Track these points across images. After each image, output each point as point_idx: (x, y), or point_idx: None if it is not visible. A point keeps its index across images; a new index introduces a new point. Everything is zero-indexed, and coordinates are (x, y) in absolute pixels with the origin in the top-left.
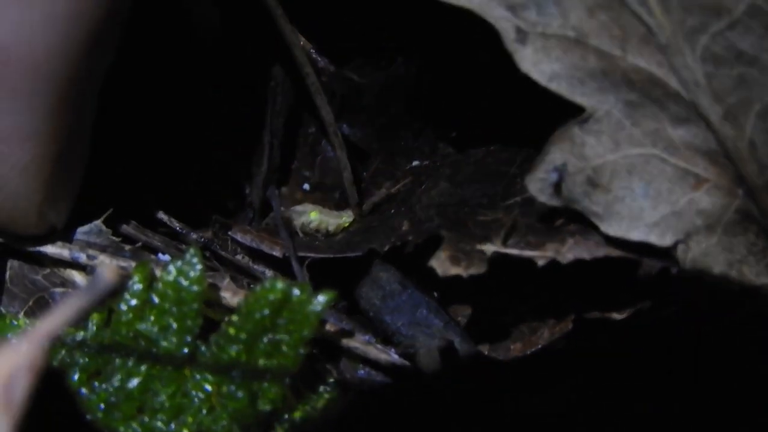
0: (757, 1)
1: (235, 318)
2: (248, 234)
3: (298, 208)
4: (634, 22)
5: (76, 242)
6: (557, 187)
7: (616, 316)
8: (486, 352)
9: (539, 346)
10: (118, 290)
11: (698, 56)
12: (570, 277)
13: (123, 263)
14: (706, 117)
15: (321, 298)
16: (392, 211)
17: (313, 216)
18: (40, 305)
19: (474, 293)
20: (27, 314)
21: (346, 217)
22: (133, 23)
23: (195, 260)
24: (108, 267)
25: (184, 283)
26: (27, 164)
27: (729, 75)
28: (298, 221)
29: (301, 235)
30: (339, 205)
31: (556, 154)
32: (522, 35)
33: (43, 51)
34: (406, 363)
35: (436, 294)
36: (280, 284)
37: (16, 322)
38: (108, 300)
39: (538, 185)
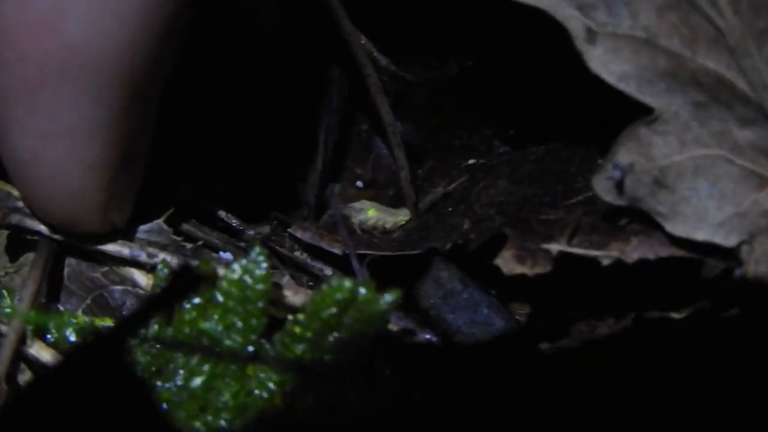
0: None
1: (301, 316)
2: (308, 231)
3: (356, 205)
4: (704, 23)
5: (136, 241)
6: (622, 187)
7: (675, 315)
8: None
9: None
10: (187, 291)
11: (766, 58)
12: (632, 277)
13: (184, 262)
14: None
15: (387, 297)
16: (450, 209)
17: (370, 213)
18: (98, 303)
19: (533, 292)
20: (85, 312)
21: (402, 215)
22: (198, 21)
23: (260, 258)
24: (184, 267)
25: (249, 281)
26: (92, 162)
27: None
28: (355, 218)
29: (359, 232)
30: (393, 203)
31: (624, 154)
32: (592, 35)
33: (113, 49)
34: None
35: (494, 293)
36: (347, 283)
37: (74, 320)
38: (178, 301)
39: (604, 185)
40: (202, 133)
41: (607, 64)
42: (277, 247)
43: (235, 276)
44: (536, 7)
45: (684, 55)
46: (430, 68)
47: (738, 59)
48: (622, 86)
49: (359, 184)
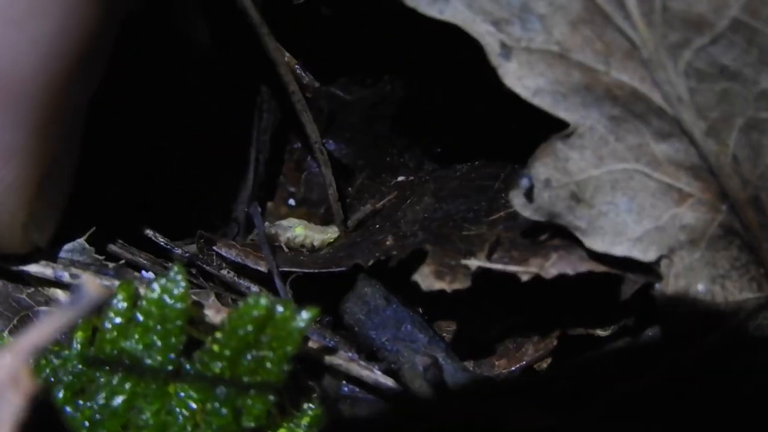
0: (740, 16)
1: (218, 335)
2: (233, 249)
3: (284, 222)
4: (618, 37)
5: (60, 261)
6: (539, 202)
7: (600, 332)
8: (471, 368)
9: (524, 362)
10: (100, 306)
11: (681, 71)
12: (555, 293)
13: (106, 281)
14: (689, 132)
15: (304, 315)
16: (377, 226)
17: (298, 231)
18: (24, 323)
19: (459, 309)
20: (11, 332)
21: (331, 233)
22: (123, 42)
23: (179, 277)
24: (90, 283)
25: (168, 300)
26: (11, 183)
27: (712, 90)
28: (283, 236)
29: (286, 250)
30: (324, 221)
31: (540, 169)
32: (506, 50)
33: (29, 71)
34: (390, 379)
35: (421, 310)
36: (263, 301)
37: (0, 341)
38: (91, 316)
39: (521, 200)
40: (132, 151)
41: (521, 78)
42: (205, 266)
43: (155, 295)
44: (451, 23)
45: (598, 69)
46: (363, 86)
47: (652, 72)
48: (536, 101)
49: (291, 201)
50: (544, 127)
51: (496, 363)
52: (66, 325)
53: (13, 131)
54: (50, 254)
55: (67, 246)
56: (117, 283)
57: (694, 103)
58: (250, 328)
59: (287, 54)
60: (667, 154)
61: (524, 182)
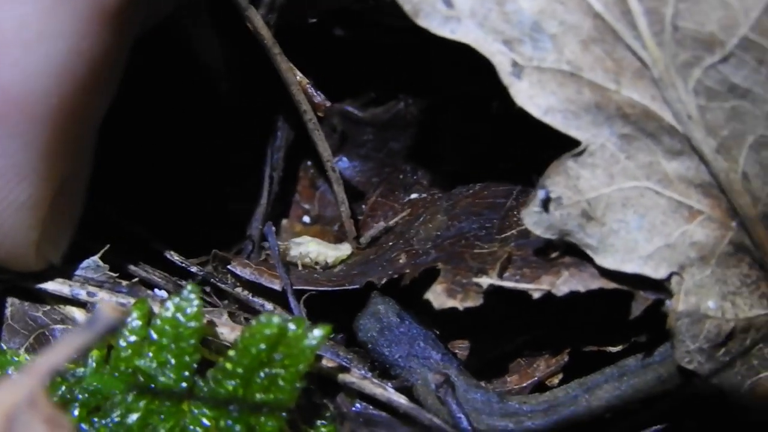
0: (750, 35)
1: (232, 353)
2: (247, 267)
3: (297, 240)
4: (628, 55)
5: (75, 279)
6: (551, 220)
7: (612, 349)
8: (483, 385)
9: (536, 378)
10: (117, 327)
11: (691, 90)
12: (567, 310)
13: (121, 299)
14: (699, 150)
15: (317, 333)
16: (390, 243)
17: (311, 248)
18: (40, 341)
19: (472, 326)
20: (27, 350)
21: (344, 250)
22: (137, 63)
23: (192, 296)
24: (107, 304)
25: (182, 319)
26: (24, 202)
27: (722, 108)
28: (296, 253)
29: (300, 267)
30: (338, 238)
31: (552, 187)
32: (518, 69)
33: (41, 92)
34: (403, 397)
35: (435, 327)
36: (276, 319)
37: (17, 358)
38: (107, 336)
39: (533, 218)
40: (146, 170)
41: (533, 97)
42: (220, 284)
43: (168, 314)
44: (463, 43)
45: (609, 87)
46: (376, 105)
47: (663, 91)
48: (548, 119)
49: (306, 219)
50: (557, 146)
51: (509, 379)
52: (82, 346)
53: (26, 151)
54: (65, 272)
55: (82, 264)
56: (131, 301)
57: (705, 121)
58: (263, 346)
59: (299, 74)
60: (677, 172)
61: (536, 200)
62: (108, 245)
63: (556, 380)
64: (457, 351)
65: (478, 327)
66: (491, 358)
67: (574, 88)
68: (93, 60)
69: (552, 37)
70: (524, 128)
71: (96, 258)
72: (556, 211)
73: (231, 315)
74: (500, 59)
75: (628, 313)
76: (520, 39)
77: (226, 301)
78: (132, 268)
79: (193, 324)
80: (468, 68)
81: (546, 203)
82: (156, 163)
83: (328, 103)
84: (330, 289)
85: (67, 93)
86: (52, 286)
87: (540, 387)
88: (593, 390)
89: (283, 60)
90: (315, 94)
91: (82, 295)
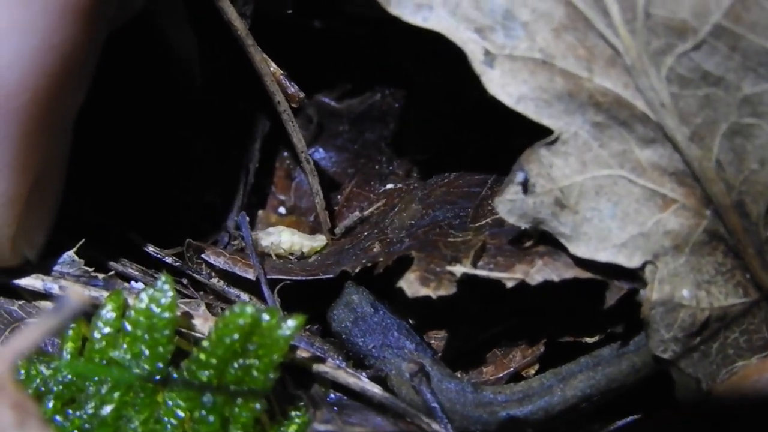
0: (722, 21)
1: (205, 343)
2: (221, 257)
3: (271, 230)
4: (601, 43)
5: (52, 274)
6: (525, 208)
7: (588, 339)
8: (458, 375)
9: (512, 369)
10: (82, 314)
11: (664, 77)
12: (543, 300)
13: (95, 293)
14: (672, 138)
15: (290, 323)
16: (365, 233)
17: (284, 237)
18: (16, 335)
19: (448, 317)
20: (3, 344)
21: (319, 241)
22: (110, 55)
23: (166, 287)
24: (73, 291)
25: (156, 310)
26: None
27: (695, 96)
28: (269, 243)
29: (274, 257)
30: (314, 229)
31: (524, 175)
32: (490, 58)
33: (14, 86)
34: (377, 387)
35: (411, 318)
36: (249, 309)
37: None
38: (72, 323)
39: (506, 206)
40: (120, 162)
41: (505, 86)
42: (195, 275)
43: (143, 305)
44: (435, 31)
45: (581, 75)
46: (352, 96)
47: (635, 79)
48: (520, 108)
49: (282, 210)
50: (532, 135)
51: (485, 370)
52: (50, 332)
53: (1, 147)
54: (41, 267)
55: (58, 259)
56: (106, 294)
57: (677, 109)
58: (236, 336)
59: (273, 65)
60: (650, 160)
61: (509, 189)
62: (83, 240)
63: (532, 371)
64: (433, 342)
65: (454, 318)
66: (467, 349)
67: (547, 77)
68: (65, 54)
69: (524, 25)
70: (500, 118)
71: (71, 253)
72: (529, 199)
73: (208, 306)
74: (472, 48)
75: (603, 303)
76: (492, 27)
77: (202, 293)
78: (108, 262)
79: (167, 315)
80: (443, 58)
81: (519, 191)
82: (132, 157)
83: (302, 94)
84: (304, 278)
85: (41, 87)
86: (25, 281)
87: (516, 377)
88: (568, 380)
89: (256, 51)
90: (289, 85)
91: (55, 289)
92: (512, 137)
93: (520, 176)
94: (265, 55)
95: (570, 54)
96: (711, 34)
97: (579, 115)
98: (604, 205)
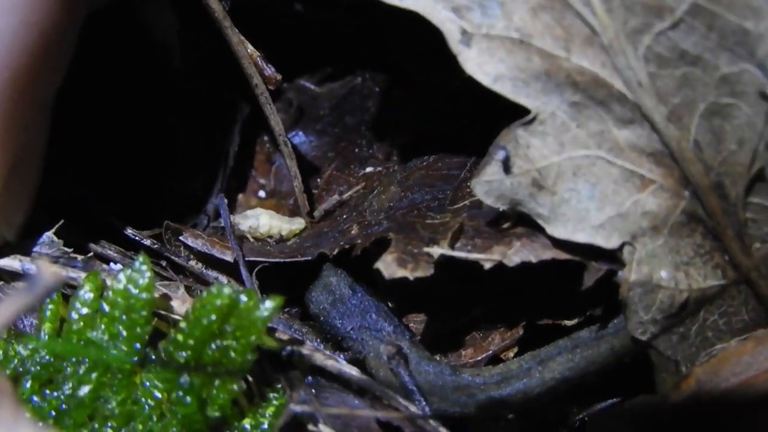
0: (699, 0)
1: (183, 324)
2: (199, 239)
3: (249, 213)
4: (578, 22)
5: (31, 255)
6: (502, 189)
7: (567, 322)
8: (437, 357)
9: (490, 352)
10: (55, 290)
11: (641, 56)
12: (522, 283)
13: (74, 273)
14: (650, 118)
15: (268, 304)
16: (344, 216)
17: (262, 220)
18: None
19: (427, 300)
20: None
21: (297, 224)
22: (89, 36)
23: (144, 268)
24: (45, 268)
25: (134, 291)
26: None
27: (672, 75)
28: (247, 226)
29: (252, 240)
30: (293, 212)
31: (502, 156)
32: (467, 37)
33: None
34: (355, 369)
35: (390, 301)
36: (226, 290)
37: None
38: (44, 300)
39: (483, 188)
40: (100, 145)
41: (482, 65)
42: (174, 258)
43: (120, 286)
44: (411, 11)
45: (559, 55)
46: (333, 79)
47: (612, 58)
48: (497, 87)
49: (261, 193)
50: (512, 117)
51: (464, 353)
52: (23, 310)
53: None
54: (20, 247)
55: (38, 240)
56: (84, 275)
57: (655, 89)
58: (213, 317)
59: (250, 46)
60: (628, 141)
61: (486, 170)
62: (62, 221)
63: (511, 354)
64: (412, 325)
65: (433, 301)
66: (446, 332)
67: (524, 56)
68: (44, 33)
69: (501, 4)
70: (481, 100)
71: (50, 233)
72: (506, 180)
73: (187, 289)
74: (449, 27)
75: (581, 285)
76: (469, 6)
77: (181, 276)
78: (88, 243)
79: (144, 296)
80: (443, 58)
81: (497, 172)
82: (112, 141)
83: (279, 76)
84: (282, 260)
85: (19, 67)
86: (4, 261)
87: (495, 360)
88: (546, 362)
89: (234, 33)
90: (265, 67)
91: (33, 270)
92: (495, 121)
93: (497, 156)
94: (242, 37)
95: (547, 33)
96: (688, 12)
97: (556, 94)
98: (582, 185)
